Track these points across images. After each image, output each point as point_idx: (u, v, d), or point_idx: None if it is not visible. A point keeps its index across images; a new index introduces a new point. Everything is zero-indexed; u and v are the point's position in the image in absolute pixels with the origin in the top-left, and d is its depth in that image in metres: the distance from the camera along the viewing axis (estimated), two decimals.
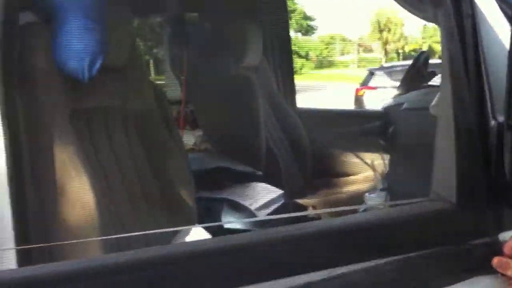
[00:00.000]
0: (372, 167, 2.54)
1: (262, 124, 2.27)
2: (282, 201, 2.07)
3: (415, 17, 1.24)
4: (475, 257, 1.05)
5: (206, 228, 1.59)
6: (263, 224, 1.99)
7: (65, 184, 1.35)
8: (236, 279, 0.92)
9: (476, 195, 1.07)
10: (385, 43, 16.95)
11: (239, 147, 2.26)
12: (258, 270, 0.94)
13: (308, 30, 15.35)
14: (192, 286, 0.89)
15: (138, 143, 1.72)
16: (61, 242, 1.21)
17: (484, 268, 1.02)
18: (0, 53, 1.16)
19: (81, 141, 1.46)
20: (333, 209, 2.03)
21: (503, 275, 1.02)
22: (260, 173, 2.16)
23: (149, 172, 1.74)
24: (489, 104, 1.07)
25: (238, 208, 1.97)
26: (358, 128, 2.75)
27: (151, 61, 3.62)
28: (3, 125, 1.17)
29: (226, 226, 1.89)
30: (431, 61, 2.89)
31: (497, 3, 1.16)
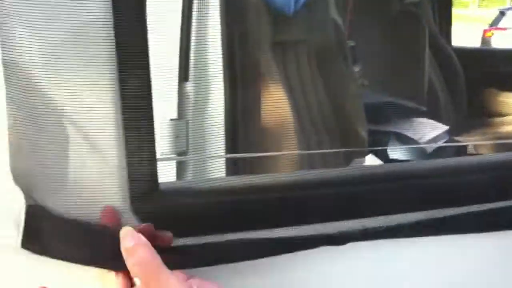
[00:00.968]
0: None
1: (426, 60, 2.31)
2: (447, 137, 2.12)
3: None
4: None
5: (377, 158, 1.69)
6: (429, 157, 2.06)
7: (267, 108, 1.48)
8: (399, 204, 0.95)
9: None
10: None
11: (402, 82, 2.31)
12: (420, 198, 0.99)
13: None
14: (362, 205, 0.94)
15: (319, 76, 1.83)
16: (261, 154, 1.33)
17: None
18: None
19: (278, 72, 1.58)
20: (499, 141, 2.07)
21: None
22: (424, 108, 2.22)
23: (328, 105, 1.85)
24: None
25: (406, 142, 2.05)
26: None
27: None
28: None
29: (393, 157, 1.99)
30: None
31: None
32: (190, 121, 1.26)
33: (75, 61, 0.69)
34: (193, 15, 1.23)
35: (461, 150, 2.21)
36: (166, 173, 1.24)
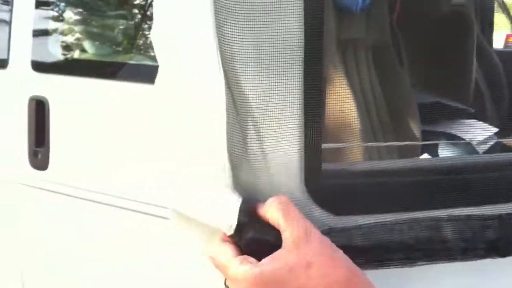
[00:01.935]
0: None
1: (473, 61, 2.31)
2: (496, 138, 2.12)
3: None
4: None
5: None
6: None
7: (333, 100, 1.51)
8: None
9: None
10: None
11: (449, 83, 2.31)
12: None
13: None
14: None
15: (375, 74, 1.84)
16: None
17: None
18: None
19: (341, 68, 1.59)
20: None
21: None
22: (472, 110, 2.22)
23: (384, 102, 1.86)
24: None
25: (457, 143, 2.05)
26: None
27: None
28: None
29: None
30: None
31: None
32: None
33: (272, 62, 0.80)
34: None
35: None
36: None
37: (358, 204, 0.87)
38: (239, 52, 0.80)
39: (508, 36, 9.92)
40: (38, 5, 2.01)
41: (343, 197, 0.87)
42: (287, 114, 0.82)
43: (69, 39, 2.14)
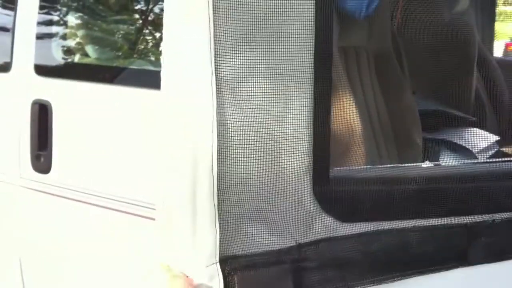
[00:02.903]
0: None
1: (474, 69, 2.31)
2: (497, 147, 2.12)
3: None
4: None
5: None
6: None
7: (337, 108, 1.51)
8: None
9: None
10: None
11: (451, 92, 2.31)
12: None
13: None
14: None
15: (377, 81, 1.84)
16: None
17: None
18: None
19: (343, 75, 1.60)
20: None
21: None
22: (474, 118, 2.22)
23: (385, 109, 1.86)
24: None
25: (458, 150, 2.05)
26: None
27: None
28: None
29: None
30: None
31: None
32: None
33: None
34: None
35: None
36: None
37: (365, 211, 0.88)
38: (248, 61, 0.81)
39: (508, 45, 9.97)
40: (41, 9, 2.01)
41: (350, 205, 0.87)
42: (296, 124, 0.83)
43: (72, 43, 2.14)
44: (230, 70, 0.81)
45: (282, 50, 0.84)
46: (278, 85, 0.84)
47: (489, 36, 2.80)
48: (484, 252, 1.00)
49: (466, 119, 2.23)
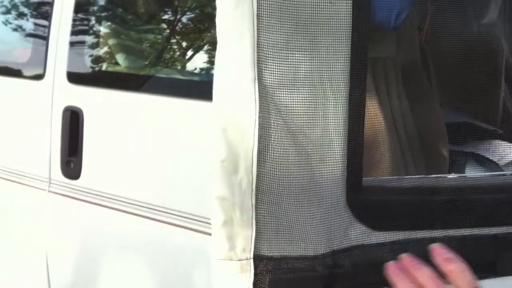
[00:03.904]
0: None
1: (502, 81, 2.31)
2: None
3: None
4: None
5: None
6: None
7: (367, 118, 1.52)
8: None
9: None
10: None
11: (478, 104, 2.31)
12: None
13: None
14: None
15: (404, 92, 1.85)
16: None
17: None
18: None
19: (371, 86, 1.61)
20: None
21: None
22: (500, 131, 2.21)
23: (412, 120, 1.87)
24: None
25: (484, 163, 2.05)
26: None
27: None
28: None
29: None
30: None
31: None
32: None
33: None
34: None
35: None
36: None
37: (397, 220, 0.89)
38: (289, 69, 0.83)
39: None
40: (75, 19, 2.06)
41: (382, 213, 0.89)
42: (332, 131, 0.85)
43: (103, 52, 2.18)
44: (271, 76, 0.85)
45: (320, 58, 0.86)
46: (316, 93, 0.87)
47: None
48: None
49: (494, 132, 2.23)
